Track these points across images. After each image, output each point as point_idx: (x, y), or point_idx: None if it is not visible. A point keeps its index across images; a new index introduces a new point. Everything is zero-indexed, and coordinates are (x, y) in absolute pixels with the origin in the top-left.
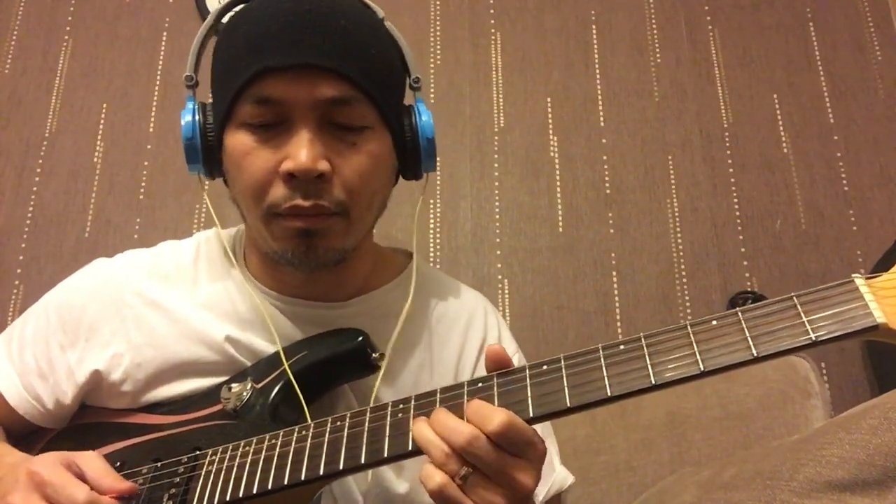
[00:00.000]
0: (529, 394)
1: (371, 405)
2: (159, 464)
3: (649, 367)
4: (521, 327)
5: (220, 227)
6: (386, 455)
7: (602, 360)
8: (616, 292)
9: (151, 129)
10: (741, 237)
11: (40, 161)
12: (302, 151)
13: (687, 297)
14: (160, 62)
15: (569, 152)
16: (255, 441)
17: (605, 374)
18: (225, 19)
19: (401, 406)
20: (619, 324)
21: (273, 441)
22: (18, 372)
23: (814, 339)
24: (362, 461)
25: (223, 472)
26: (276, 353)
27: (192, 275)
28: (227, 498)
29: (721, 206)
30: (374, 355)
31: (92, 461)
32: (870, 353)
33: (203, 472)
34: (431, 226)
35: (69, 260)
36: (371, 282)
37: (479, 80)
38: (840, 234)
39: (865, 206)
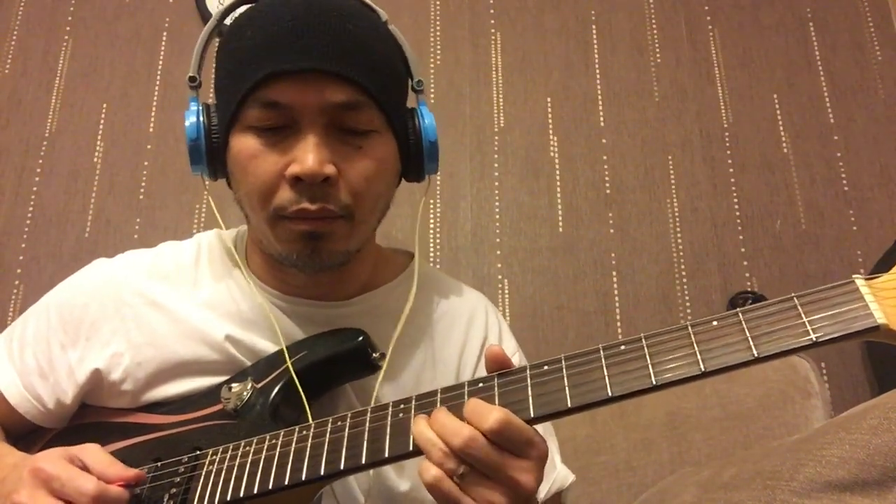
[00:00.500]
0: (530, 394)
1: (372, 405)
2: (159, 464)
3: (650, 367)
4: (521, 327)
5: (223, 227)
6: (387, 455)
7: (603, 360)
8: (616, 292)
9: (151, 129)
10: (741, 237)
11: (40, 161)
12: (309, 156)
13: (687, 297)
14: (160, 62)
15: (569, 152)
16: (255, 441)
17: (605, 374)
18: (228, 20)
19: (402, 406)
20: (619, 324)
21: (273, 441)
22: (19, 371)
23: (814, 339)
24: (363, 461)
25: (224, 472)
26: (276, 353)
27: (192, 275)
28: (228, 498)
29: (721, 206)
30: (374, 355)
31: (94, 453)
32: (870, 353)
33: (203, 472)
34: (431, 226)
35: (69, 260)
36: (373, 281)
37: (479, 80)
38: (840, 234)
39: (865, 206)
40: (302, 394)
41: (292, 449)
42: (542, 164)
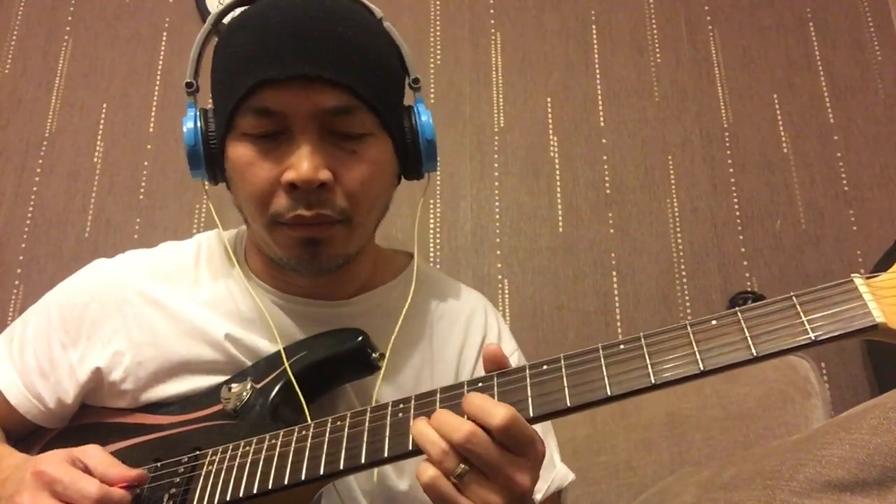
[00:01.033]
0: (530, 393)
1: (371, 404)
2: (159, 464)
3: (649, 366)
4: (521, 327)
5: (221, 229)
6: (386, 455)
7: (602, 359)
8: (616, 292)
9: (151, 129)
10: (741, 237)
11: (40, 161)
12: (303, 162)
13: (687, 297)
14: (160, 62)
15: (569, 152)
16: (255, 441)
17: (605, 373)
18: (225, 20)
19: (401, 406)
20: (619, 324)
21: (273, 441)
22: (19, 371)
23: (813, 338)
24: (362, 461)
25: (223, 472)
26: (276, 354)
27: (192, 274)
28: (228, 498)
29: (721, 206)
30: (373, 355)
31: (96, 455)
32: (870, 353)
33: (203, 472)
34: (431, 226)
35: (69, 260)
36: (372, 281)
37: (479, 80)
38: (840, 234)
39: (865, 206)
40: (300, 394)
41: (292, 449)
42: (542, 164)
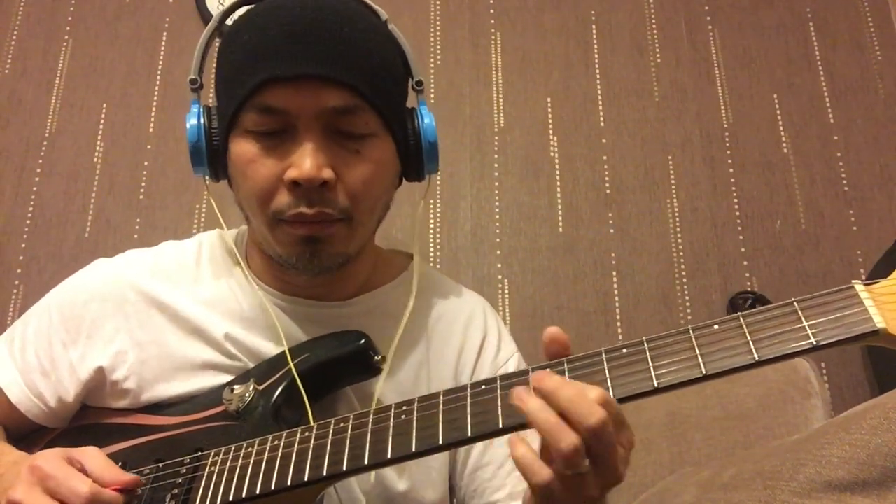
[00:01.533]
0: None
1: (374, 406)
2: (161, 464)
3: (652, 370)
4: (521, 327)
5: (225, 227)
6: (389, 456)
7: (605, 363)
8: (616, 292)
9: (151, 129)
10: (741, 237)
11: (40, 161)
12: (306, 160)
13: (687, 297)
14: (160, 62)
15: (569, 152)
16: (257, 442)
17: (607, 376)
18: (229, 21)
19: (404, 408)
20: (619, 324)
21: (276, 442)
22: (20, 370)
23: (815, 343)
24: (365, 462)
25: (226, 473)
26: (278, 355)
27: (194, 274)
28: (230, 498)
29: (721, 206)
30: (375, 358)
31: (93, 456)
32: (870, 354)
33: (206, 473)
34: (431, 226)
35: (69, 260)
36: (372, 281)
37: (479, 80)
38: (840, 234)
39: (865, 206)
40: (304, 396)
41: (294, 450)
42: (542, 164)
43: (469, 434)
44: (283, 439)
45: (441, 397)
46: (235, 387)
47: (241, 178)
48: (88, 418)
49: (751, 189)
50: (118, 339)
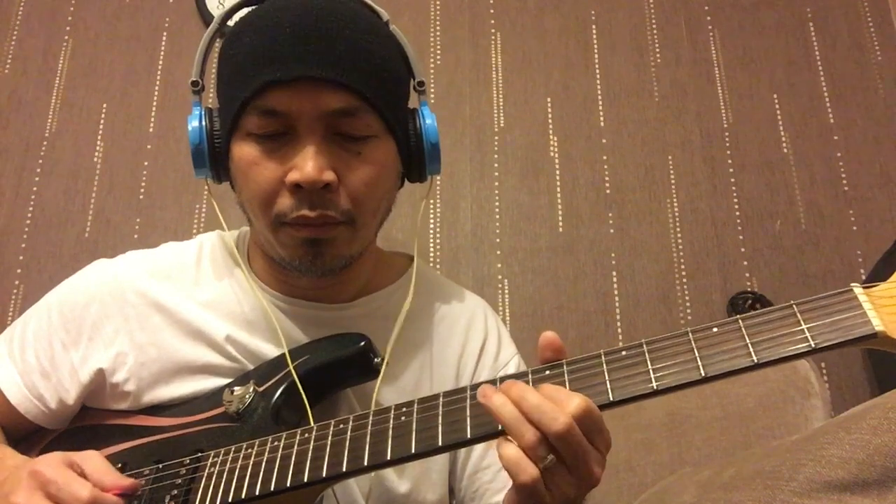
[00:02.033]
0: None
1: (374, 408)
2: (161, 465)
3: (651, 372)
4: (521, 327)
5: (226, 229)
6: (389, 458)
7: (604, 365)
8: (616, 292)
9: (151, 129)
10: (741, 237)
11: (40, 161)
12: (308, 163)
13: (687, 297)
14: (160, 62)
15: (569, 152)
16: (257, 443)
17: (607, 378)
18: (231, 22)
19: (404, 409)
20: (619, 324)
21: (276, 443)
22: (20, 371)
23: (813, 346)
24: (365, 463)
25: (225, 474)
26: (279, 357)
27: (194, 275)
28: (230, 499)
29: (721, 206)
30: (376, 360)
31: (93, 460)
32: (870, 354)
33: (205, 474)
34: (431, 226)
35: (69, 260)
36: (373, 283)
37: (479, 80)
38: (840, 234)
39: (865, 206)
40: (304, 398)
41: (294, 451)
42: (542, 164)
43: (468, 436)
44: (282, 440)
45: (441, 399)
46: (235, 388)
47: (243, 180)
48: (88, 419)
49: (751, 189)
50: (118, 340)
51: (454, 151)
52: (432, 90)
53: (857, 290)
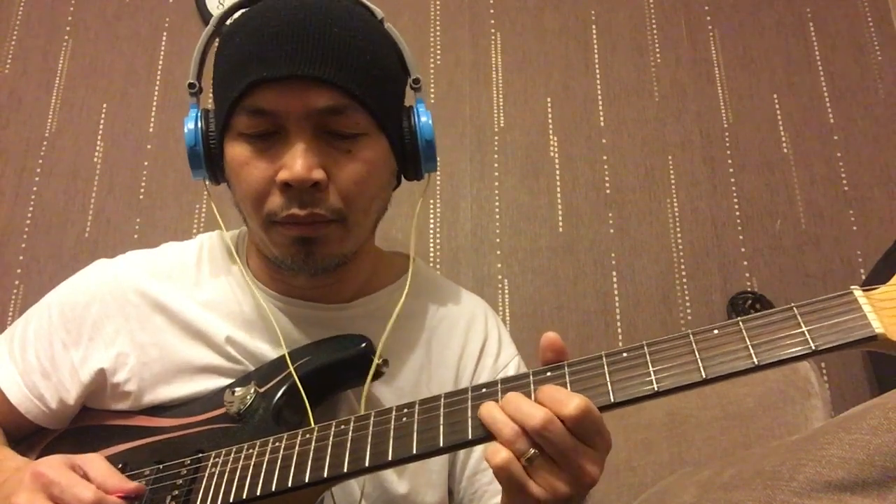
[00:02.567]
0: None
1: (375, 409)
2: (161, 465)
3: (652, 374)
4: (521, 327)
5: (224, 229)
6: (390, 458)
7: (605, 366)
8: (616, 292)
9: (151, 129)
10: (741, 237)
11: (40, 161)
12: (297, 161)
13: (687, 297)
14: (160, 62)
15: (569, 152)
16: (258, 444)
17: (608, 380)
18: (229, 22)
19: (405, 410)
20: (619, 324)
21: (277, 444)
22: (21, 371)
23: (813, 348)
24: (366, 464)
25: (226, 475)
26: (279, 358)
27: (194, 275)
28: (230, 500)
29: (721, 206)
30: (377, 362)
31: (96, 462)
32: (870, 354)
33: (206, 475)
34: (431, 226)
35: (69, 260)
36: (372, 283)
37: (479, 80)
38: (840, 234)
39: (865, 206)
40: (305, 399)
41: (295, 452)
42: (542, 164)
43: (469, 437)
44: (283, 441)
45: (442, 400)
46: (236, 389)
47: (235, 180)
48: (89, 420)
49: (751, 189)
50: (119, 340)
51: (454, 151)
52: (432, 90)
53: (857, 292)
